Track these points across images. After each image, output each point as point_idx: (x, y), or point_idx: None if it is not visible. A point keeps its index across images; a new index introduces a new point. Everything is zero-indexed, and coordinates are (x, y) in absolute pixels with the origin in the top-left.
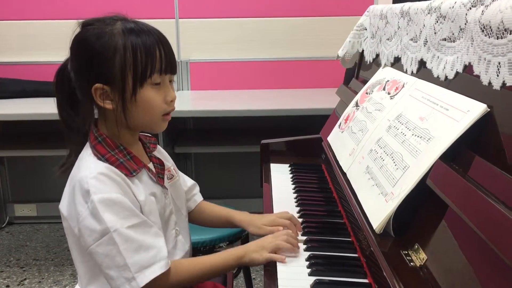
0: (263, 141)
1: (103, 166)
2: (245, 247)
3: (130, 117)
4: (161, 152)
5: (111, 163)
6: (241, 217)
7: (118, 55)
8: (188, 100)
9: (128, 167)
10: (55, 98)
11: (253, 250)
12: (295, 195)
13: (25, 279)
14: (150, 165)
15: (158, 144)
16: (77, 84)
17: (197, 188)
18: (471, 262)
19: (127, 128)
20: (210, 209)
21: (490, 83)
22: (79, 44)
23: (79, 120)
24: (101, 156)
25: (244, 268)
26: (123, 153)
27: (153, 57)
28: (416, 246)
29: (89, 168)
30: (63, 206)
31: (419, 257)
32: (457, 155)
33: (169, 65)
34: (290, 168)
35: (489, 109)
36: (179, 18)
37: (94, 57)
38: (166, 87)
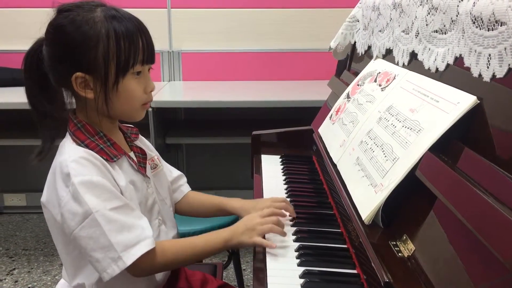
0: (254, 132)
1: (82, 151)
2: (233, 230)
3: (111, 106)
4: (144, 142)
5: (91, 149)
6: (234, 203)
7: (101, 44)
8: (180, 91)
9: (108, 152)
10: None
11: (241, 233)
12: (285, 186)
13: (14, 269)
14: (131, 154)
15: (149, 134)
16: (54, 71)
17: (184, 179)
18: (459, 253)
19: (107, 116)
20: (200, 198)
21: (480, 75)
22: (58, 31)
23: (55, 107)
24: (80, 142)
25: (234, 259)
26: (103, 139)
27: (136, 47)
28: (405, 237)
29: (68, 152)
30: (44, 195)
31: (407, 248)
32: (447, 146)
33: (150, 55)
34: (281, 159)
35: (479, 101)
36: (171, 8)
37: (76, 45)
38: (146, 77)
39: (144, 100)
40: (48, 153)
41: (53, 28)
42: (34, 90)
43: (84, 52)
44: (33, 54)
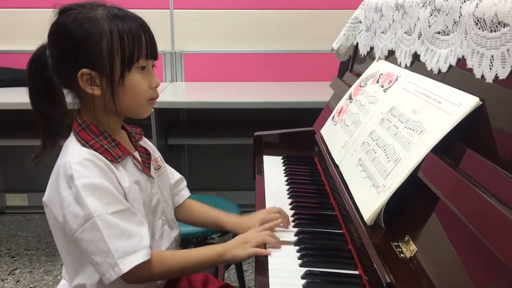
0: (257, 133)
1: (86, 152)
2: (226, 244)
3: (118, 102)
4: (147, 143)
5: (95, 149)
6: (231, 220)
7: (105, 39)
8: (182, 92)
9: (113, 153)
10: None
11: (234, 246)
12: (287, 187)
13: (16, 268)
14: (136, 154)
15: (151, 135)
16: (59, 71)
17: (184, 183)
18: (461, 254)
19: (115, 113)
20: (199, 209)
21: (483, 76)
22: (61, 30)
23: (59, 112)
24: (85, 142)
25: None
26: (108, 140)
27: (139, 41)
28: (407, 238)
29: (72, 153)
30: (46, 195)
31: (409, 249)
32: (449, 147)
33: (153, 50)
34: (283, 160)
35: (481, 102)
36: (174, 9)
37: (79, 42)
38: (150, 72)
39: (150, 95)
40: (45, 157)
41: (56, 27)
42: (39, 95)
43: (88, 49)
44: (37, 59)
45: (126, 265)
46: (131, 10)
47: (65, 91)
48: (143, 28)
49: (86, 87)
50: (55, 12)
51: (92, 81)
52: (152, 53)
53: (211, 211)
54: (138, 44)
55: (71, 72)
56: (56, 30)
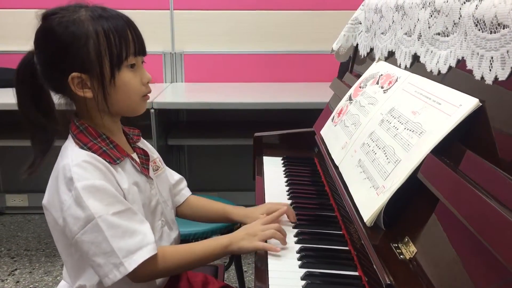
0: (256, 134)
1: (85, 154)
2: (233, 236)
3: (111, 103)
4: (145, 145)
5: (94, 151)
6: (238, 211)
7: (91, 41)
8: (182, 92)
9: (111, 155)
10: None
11: (241, 238)
12: (287, 188)
13: (15, 269)
14: (134, 155)
15: (151, 136)
16: (49, 77)
17: (185, 183)
18: (461, 255)
19: (109, 114)
20: (202, 204)
21: (482, 77)
22: (46, 35)
23: (49, 120)
24: (83, 144)
25: (235, 260)
26: (106, 142)
27: (126, 39)
28: (406, 239)
29: (71, 156)
30: (45, 198)
31: (409, 250)
32: (449, 149)
33: (141, 46)
34: (283, 161)
35: (481, 104)
36: (174, 10)
37: (66, 45)
38: (140, 69)
39: (143, 92)
40: (39, 166)
41: (41, 33)
42: (28, 103)
43: (76, 52)
44: (25, 67)
45: (132, 264)
46: (131, 11)
47: (57, 96)
48: (129, 25)
49: (78, 90)
50: (39, 17)
51: (83, 84)
52: (140, 49)
53: (215, 204)
54: (125, 42)
55: (61, 76)
56: (42, 35)
